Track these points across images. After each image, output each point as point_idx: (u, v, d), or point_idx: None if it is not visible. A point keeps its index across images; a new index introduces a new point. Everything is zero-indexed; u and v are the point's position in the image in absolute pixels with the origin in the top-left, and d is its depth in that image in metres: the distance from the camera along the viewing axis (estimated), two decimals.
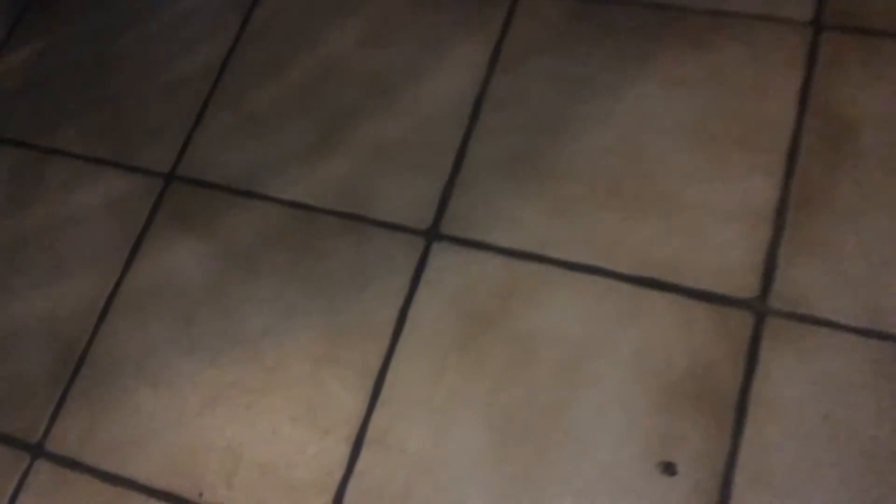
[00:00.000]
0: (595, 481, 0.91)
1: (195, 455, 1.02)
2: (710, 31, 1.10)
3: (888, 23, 1.05)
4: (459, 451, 0.95)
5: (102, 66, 1.32)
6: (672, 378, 0.93)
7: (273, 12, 1.29)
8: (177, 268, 1.14)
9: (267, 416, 1.02)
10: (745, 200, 1.00)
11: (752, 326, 0.94)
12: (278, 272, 1.10)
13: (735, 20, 1.10)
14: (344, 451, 0.98)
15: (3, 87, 1.35)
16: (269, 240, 1.12)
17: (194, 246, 1.14)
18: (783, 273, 0.95)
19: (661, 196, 1.02)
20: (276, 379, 1.03)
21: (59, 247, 1.19)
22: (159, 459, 1.02)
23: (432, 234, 1.07)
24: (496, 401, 0.96)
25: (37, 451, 1.07)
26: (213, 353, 1.07)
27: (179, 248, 1.15)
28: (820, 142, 1.01)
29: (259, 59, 1.26)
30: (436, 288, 1.04)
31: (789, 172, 1.00)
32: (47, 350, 1.13)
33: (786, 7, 1.09)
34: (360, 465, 0.97)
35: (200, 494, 1.00)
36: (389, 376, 1.00)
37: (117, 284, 1.15)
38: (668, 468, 0.90)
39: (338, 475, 0.97)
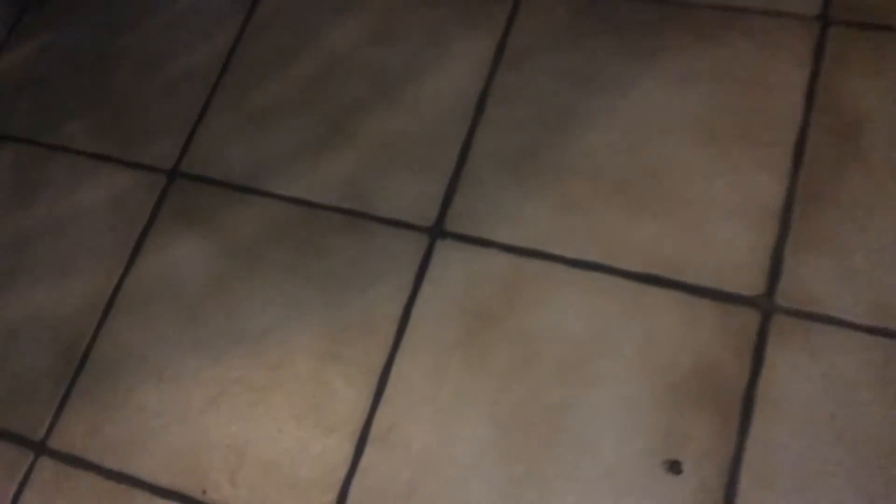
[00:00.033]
0: (600, 479, 0.90)
1: (199, 452, 1.01)
2: (717, 25, 1.09)
3: None
4: (464, 448, 0.95)
5: (105, 62, 1.32)
6: (677, 376, 0.93)
7: (276, 8, 1.28)
8: (180, 265, 1.13)
9: (270, 413, 1.01)
10: (752, 197, 0.99)
11: (758, 324, 0.93)
12: (281, 269, 1.09)
13: (742, 15, 1.09)
14: (348, 448, 0.98)
15: (5, 83, 1.35)
16: (273, 237, 1.12)
17: (197, 243, 1.14)
18: (790, 270, 0.95)
19: (667, 192, 1.01)
20: (280, 376, 1.03)
21: (62, 244, 1.19)
22: (163, 457, 1.02)
23: (436, 232, 1.06)
24: (500, 398, 0.96)
25: (40, 448, 1.07)
26: (216, 351, 1.06)
27: (183, 244, 1.15)
28: (827, 137, 1.00)
29: (262, 55, 1.25)
30: (440, 285, 1.03)
31: (796, 168, 0.99)
32: (51, 347, 1.13)
33: (793, 1, 1.08)
34: (364, 462, 0.97)
35: (204, 492, 0.99)
36: (393, 374, 1.00)
37: (120, 281, 1.14)
38: (674, 467, 0.89)
39: (342, 473, 0.97)
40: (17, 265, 1.19)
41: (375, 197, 1.10)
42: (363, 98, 1.17)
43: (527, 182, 1.07)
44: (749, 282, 0.95)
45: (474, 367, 0.98)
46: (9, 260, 1.20)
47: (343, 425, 0.99)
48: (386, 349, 1.01)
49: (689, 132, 1.04)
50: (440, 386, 0.98)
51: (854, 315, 0.91)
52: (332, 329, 1.04)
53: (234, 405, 1.03)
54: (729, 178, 1.00)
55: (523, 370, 0.97)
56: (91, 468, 1.04)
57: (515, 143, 1.09)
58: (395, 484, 0.95)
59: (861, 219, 0.95)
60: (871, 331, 0.90)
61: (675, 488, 0.88)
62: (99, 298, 1.14)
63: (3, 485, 1.05)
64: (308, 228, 1.11)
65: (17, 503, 1.04)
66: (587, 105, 1.09)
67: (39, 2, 1.41)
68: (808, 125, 1.01)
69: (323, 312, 1.05)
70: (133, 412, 1.06)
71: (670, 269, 0.97)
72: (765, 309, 0.94)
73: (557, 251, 1.02)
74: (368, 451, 0.97)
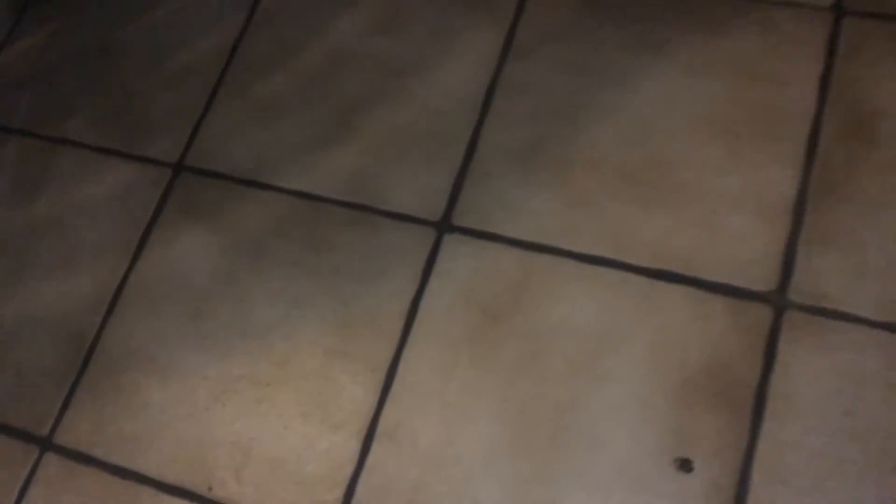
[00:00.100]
0: (610, 478, 0.89)
1: (204, 449, 1.01)
2: (728, 17, 1.08)
3: None
4: (472, 445, 0.94)
5: (109, 55, 1.31)
6: (688, 373, 0.91)
7: (280, 0, 1.27)
8: (185, 259, 1.13)
9: (277, 410, 1.01)
10: (764, 191, 0.97)
11: (770, 320, 0.92)
12: (287, 264, 1.08)
13: (754, 6, 1.07)
14: (354, 446, 0.97)
15: (9, 77, 1.34)
16: (278, 231, 1.11)
17: (203, 237, 1.13)
18: (802, 266, 0.93)
19: (678, 186, 1.00)
20: (286, 373, 1.02)
21: (67, 238, 1.19)
22: (168, 453, 1.02)
23: (444, 226, 1.05)
24: (509, 395, 0.95)
25: (46, 444, 1.06)
26: (222, 346, 1.06)
27: (188, 239, 1.14)
28: (841, 131, 0.99)
29: (267, 47, 1.24)
30: (447, 280, 1.02)
31: (809, 163, 0.98)
32: (56, 342, 1.12)
33: None
34: (371, 460, 0.96)
35: (210, 489, 0.99)
36: (400, 370, 0.99)
37: (126, 276, 1.14)
38: (685, 465, 0.88)
39: (348, 470, 0.96)
40: (22, 260, 1.19)
41: (382, 191, 1.09)
42: (369, 91, 1.16)
43: (535, 175, 1.05)
44: (761, 277, 0.94)
45: (482, 364, 0.97)
46: (14, 254, 1.19)
47: (350, 422, 0.98)
48: (393, 345, 1.01)
49: (700, 125, 1.03)
50: (448, 382, 0.97)
51: (868, 311, 0.90)
52: (338, 324, 1.03)
53: (239, 401, 1.02)
54: (741, 172, 0.99)
55: (532, 366, 0.96)
56: (97, 464, 1.03)
57: (524, 137, 1.08)
58: (403, 481, 0.94)
59: (875, 214, 0.94)
60: (885, 327, 0.89)
61: (685, 486, 0.87)
62: (104, 293, 1.13)
63: (9, 480, 1.05)
64: (314, 223, 1.10)
65: (23, 498, 1.04)
66: (596, 98, 1.08)
67: None
68: (822, 118, 1.00)
69: (329, 308, 1.05)
70: (139, 408, 1.05)
71: (681, 264, 0.96)
72: (777, 305, 0.92)
73: (566, 246, 1.01)
74: (375, 448, 0.96)
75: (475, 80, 1.13)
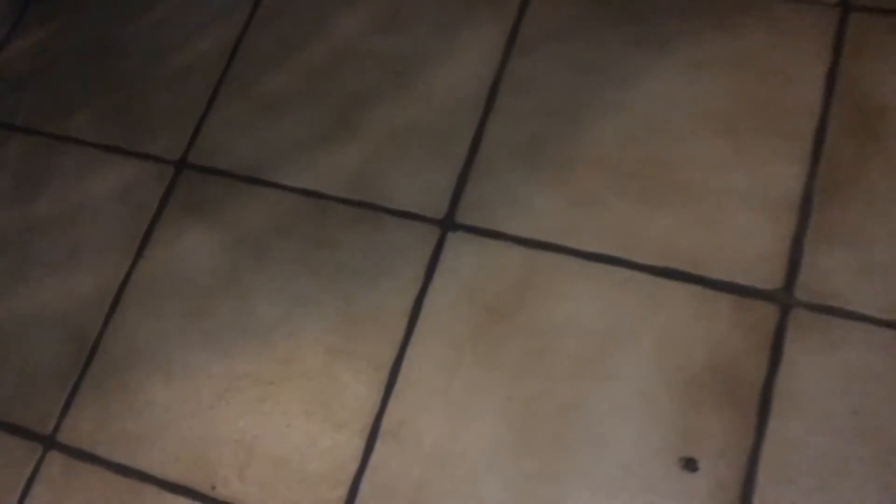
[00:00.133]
0: (614, 477, 0.89)
1: (208, 447, 1.01)
2: (733, 13, 1.07)
3: None
4: (476, 444, 0.94)
5: (111, 51, 1.30)
6: (694, 371, 0.91)
7: None
8: (188, 257, 1.12)
9: (280, 408, 1.00)
10: (770, 188, 0.97)
11: (776, 318, 0.91)
12: (290, 262, 1.08)
13: (759, 1, 1.07)
14: (358, 444, 0.97)
15: (11, 73, 1.34)
16: (281, 229, 1.10)
17: (206, 235, 1.13)
18: (809, 263, 0.93)
19: (683, 184, 1.00)
20: (289, 371, 1.02)
21: (69, 236, 1.18)
22: (172, 452, 1.01)
23: (447, 224, 1.05)
24: (513, 394, 0.95)
25: (49, 442, 1.06)
26: (225, 345, 1.05)
27: (191, 236, 1.13)
28: (847, 128, 0.98)
29: (270, 43, 1.23)
30: (451, 278, 1.02)
31: (815, 159, 0.97)
32: (59, 340, 1.12)
33: None
34: (375, 458, 0.95)
35: (213, 487, 0.99)
36: (404, 368, 0.99)
37: (128, 274, 1.13)
38: (690, 464, 0.88)
39: (352, 469, 0.96)
40: (24, 257, 1.18)
41: (385, 188, 1.09)
42: (372, 88, 1.16)
43: (539, 173, 1.05)
44: (767, 275, 0.93)
45: (486, 362, 0.97)
46: (16, 252, 1.19)
47: (353, 420, 0.98)
48: (396, 343, 1.00)
49: (705, 122, 1.02)
50: (452, 380, 0.97)
51: (875, 309, 0.90)
52: (341, 322, 1.03)
53: (242, 400, 1.02)
54: (747, 169, 0.98)
55: (536, 365, 0.95)
56: (100, 462, 1.03)
57: (528, 134, 1.07)
58: (406, 480, 0.94)
59: (882, 211, 0.93)
60: (892, 326, 0.89)
61: (690, 486, 0.87)
62: (107, 291, 1.13)
63: (13, 479, 1.05)
64: (317, 220, 1.10)
65: (26, 497, 1.04)
66: (601, 94, 1.07)
67: None
68: (828, 114, 0.99)
69: (332, 306, 1.04)
70: (142, 406, 1.05)
71: (687, 262, 0.96)
72: (783, 303, 0.92)
73: (571, 244, 1.00)
74: (379, 446, 0.96)
75: (479, 77, 1.12)
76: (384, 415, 0.97)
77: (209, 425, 1.02)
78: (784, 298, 0.92)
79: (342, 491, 0.95)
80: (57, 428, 1.07)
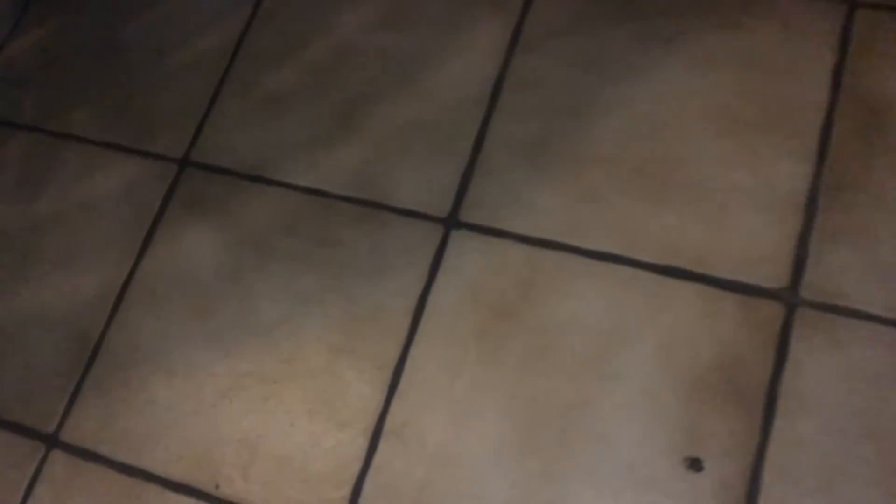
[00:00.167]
0: (618, 477, 0.89)
1: (211, 446, 1.00)
2: (738, 10, 1.06)
3: None
4: (479, 444, 0.93)
5: (114, 49, 1.30)
6: (699, 371, 0.91)
7: None
8: (191, 255, 1.12)
9: (283, 407, 1.00)
10: (776, 187, 0.96)
11: (782, 317, 0.91)
12: (293, 260, 1.08)
13: None
14: (361, 444, 0.96)
15: (14, 71, 1.33)
16: (284, 227, 1.10)
17: (209, 233, 1.12)
18: (815, 262, 0.92)
19: (688, 182, 0.99)
20: (293, 370, 1.02)
21: (72, 234, 1.18)
22: (175, 451, 1.01)
23: (451, 222, 1.04)
24: (517, 393, 0.94)
25: (52, 441, 1.06)
26: (227, 343, 1.05)
27: (194, 235, 1.13)
28: (853, 125, 0.97)
29: (272, 41, 1.23)
30: (455, 277, 1.01)
31: (821, 158, 0.96)
32: (62, 339, 1.12)
33: None
34: (378, 458, 0.95)
35: (217, 486, 0.98)
36: (407, 368, 0.98)
37: (131, 272, 1.13)
38: (694, 464, 0.87)
39: (355, 468, 0.95)
40: (27, 256, 1.18)
41: (389, 186, 1.08)
42: (375, 85, 1.15)
43: (543, 171, 1.04)
44: (773, 274, 0.93)
45: (490, 361, 0.96)
46: (19, 250, 1.19)
47: (356, 420, 0.97)
48: (400, 342, 1.00)
49: (710, 120, 1.01)
50: (455, 379, 0.97)
51: (881, 308, 0.89)
52: (345, 321, 1.03)
53: (246, 399, 1.02)
54: (752, 167, 0.98)
55: (540, 364, 0.95)
56: (103, 461, 1.03)
57: (532, 131, 1.07)
58: (410, 480, 0.94)
59: (889, 209, 0.93)
60: None
61: (695, 486, 0.87)
62: (110, 290, 1.13)
63: (16, 477, 1.05)
64: (320, 219, 1.09)
65: (30, 496, 1.03)
66: (605, 92, 1.06)
67: None
68: (834, 111, 0.98)
69: (335, 304, 1.04)
70: (145, 405, 1.05)
71: (692, 260, 0.95)
72: (789, 302, 0.91)
73: (575, 242, 1.00)
74: (382, 446, 0.96)
75: (482, 74, 1.11)
76: (388, 414, 0.97)
77: (212, 424, 1.01)
78: (790, 297, 0.91)
79: (346, 491, 0.95)
80: (60, 427, 1.06)
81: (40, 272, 1.16)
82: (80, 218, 1.19)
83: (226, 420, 1.01)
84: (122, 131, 1.23)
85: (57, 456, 1.05)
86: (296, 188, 1.12)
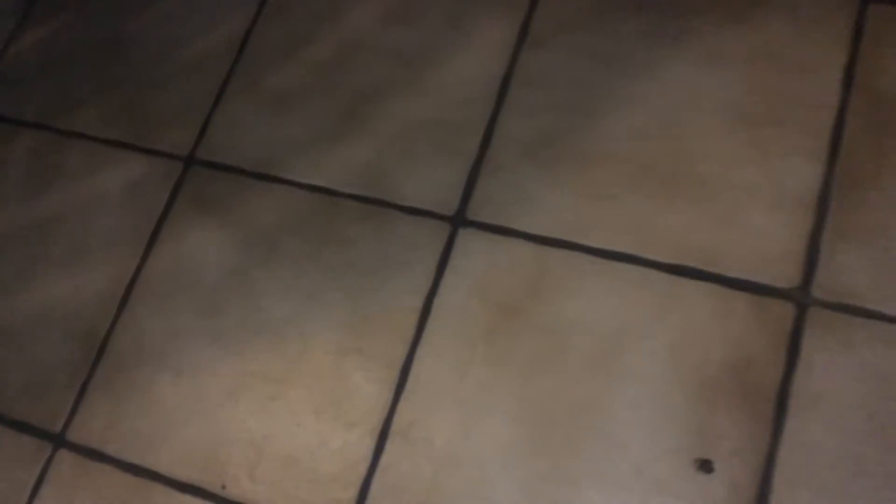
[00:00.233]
0: (628, 478, 0.88)
1: (218, 447, 1.00)
2: (749, 4, 1.05)
3: None
4: (487, 444, 0.93)
5: (119, 46, 1.29)
6: (709, 371, 0.90)
7: None
8: (197, 253, 1.11)
9: (290, 407, 1.00)
10: (787, 185, 0.95)
11: (793, 317, 0.90)
12: (300, 259, 1.07)
13: None
14: (369, 444, 0.96)
15: (19, 69, 1.33)
16: (291, 225, 1.09)
17: (215, 231, 1.12)
18: (826, 262, 0.91)
19: (698, 180, 0.98)
20: (299, 370, 1.01)
21: (78, 232, 1.18)
22: (182, 451, 1.01)
23: (458, 220, 1.04)
24: (525, 393, 0.94)
25: (59, 440, 1.06)
26: (234, 342, 1.05)
27: (200, 233, 1.13)
28: (865, 123, 0.96)
29: (279, 37, 1.22)
30: (462, 276, 1.01)
31: (833, 156, 0.95)
32: (68, 338, 1.11)
33: None
34: (386, 458, 0.95)
35: (223, 486, 0.98)
36: (414, 367, 0.98)
37: (137, 271, 1.13)
38: (705, 465, 0.87)
39: (363, 469, 0.95)
40: (33, 254, 1.18)
41: (396, 184, 1.08)
42: (382, 82, 1.14)
43: (551, 168, 1.03)
44: (784, 273, 0.92)
45: (498, 361, 0.96)
46: (25, 249, 1.18)
47: (363, 420, 0.97)
48: (407, 341, 0.99)
49: (720, 116, 1.00)
50: (463, 380, 0.96)
51: (893, 308, 0.88)
52: (352, 320, 1.02)
53: (252, 398, 1.01)
54: (763, 164, 0.97)
55: (549, 364, 0.94)
56: (109, 461, 1.03)
57: (539, 128, 1.06)
58: (418, 480, 0.93)
59: None
60: None
61: (705, 487, 0.86)
62: (116, 288, 1.12)
63: (23, 477, 1.05)
64: (327, 217, 1.09)
65: (36, 496, 1.03)
66: (614, 88, 1.05)
67: None
68: (847, 108, 0.97)
69: (343, 303, 1.03)
70: (151, 405, 1.04)
71: (702, 259, 0.94)
72: (800, 301, 0.90)
73: (584, 241, 0.99)
74: (389, 446, 0.95)
75: (490, 70, 1.10)
76: (395, 414, 0.96)
77: (219, 424, 1.01)
78: (801, 297, 0.90)
79: (353, 491, 0.94)
80: (66, 426, 1.06)
81: (46, 271, 1.16)
82: (85, 216, 1.18)
83: (232, 420, 1.01)
84: (127, 129, 1.23)
85: (63, 455, 1.05)
86: (302, 186, 1.11)
